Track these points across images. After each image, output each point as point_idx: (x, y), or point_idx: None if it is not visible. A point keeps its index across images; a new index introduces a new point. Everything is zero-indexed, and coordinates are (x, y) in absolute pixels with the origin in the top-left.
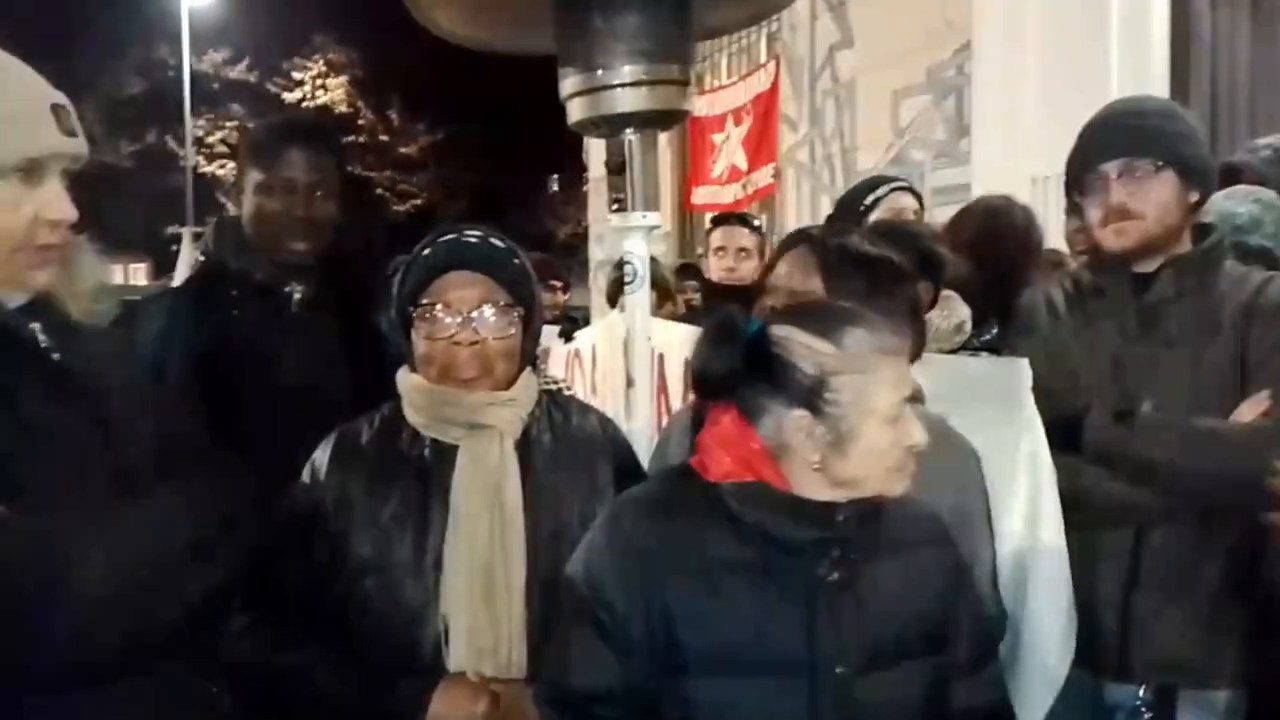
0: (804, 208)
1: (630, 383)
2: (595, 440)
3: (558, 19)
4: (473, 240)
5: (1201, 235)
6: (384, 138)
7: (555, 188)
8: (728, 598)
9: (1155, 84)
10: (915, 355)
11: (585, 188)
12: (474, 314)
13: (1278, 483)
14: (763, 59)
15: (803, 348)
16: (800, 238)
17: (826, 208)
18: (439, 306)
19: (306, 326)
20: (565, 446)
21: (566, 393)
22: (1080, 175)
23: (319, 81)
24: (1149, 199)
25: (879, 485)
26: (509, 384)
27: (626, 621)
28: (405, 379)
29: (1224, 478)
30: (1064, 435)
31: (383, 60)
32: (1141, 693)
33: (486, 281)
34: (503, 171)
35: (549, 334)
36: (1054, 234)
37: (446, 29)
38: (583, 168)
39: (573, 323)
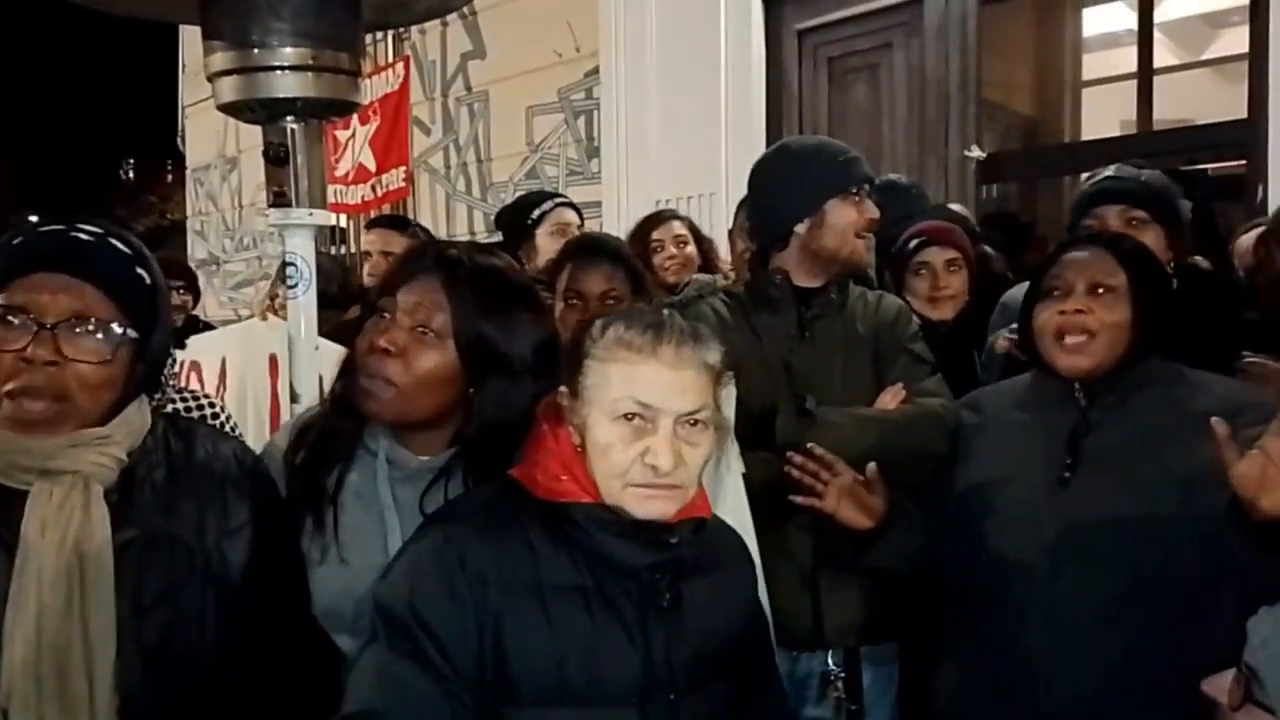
0: (439, 213)
1: (294, 398)
2: (228, 474)
3: None
4: (82, 237)
5: None
6: None
7: (130, 174)
8: (561, 623)
9: (755, 123)
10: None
11: (169, 176)
12: (59, 327)
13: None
14: (390, 59)
15: (588, 333)
16: (430, 262)
17: (461, 215)
18: (13, 311)
19: None
20: (186, 484)
21: (209, 413)
22: (852, 184)
23: None
24: None
25: (625, 500)
26: (101, 420)
27: (455, 652)
28: None
29: (891, 455)
30: (755, 433)
31: None
32: (830, 657)
33: (87, 290)
34: (61, 152)
35: None
36: None
37: None
38: (169, 153)
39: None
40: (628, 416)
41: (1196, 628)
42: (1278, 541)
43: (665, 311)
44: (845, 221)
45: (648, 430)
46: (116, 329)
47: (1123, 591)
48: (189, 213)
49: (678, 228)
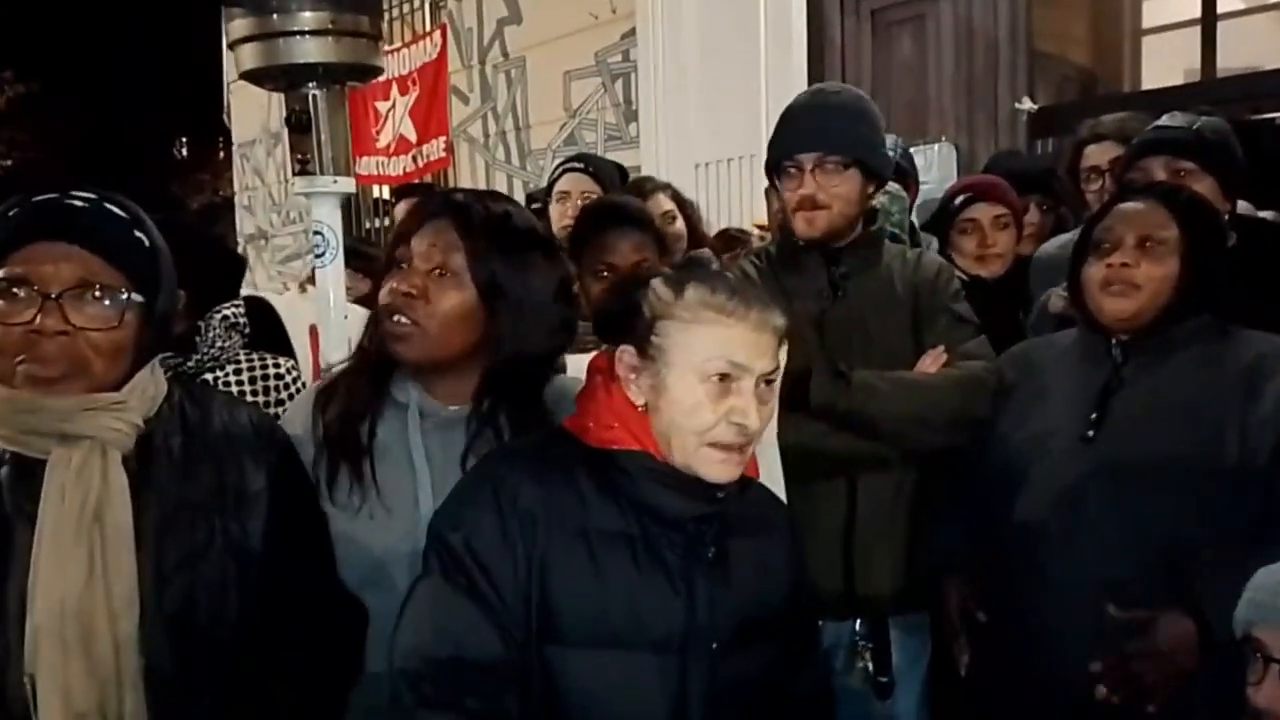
0: (479, 183)
1: (327, 367)
2: (245, 440)
3: None
4: (78, 204)
5: (871, 219)
6: None
7: (184, 152)
8: (606, 568)
9: (795, 80)
10: (572, 334)
11: (221, 153)
12: (65, 296)
13: None
14: (427, 27)
15: (653, 293)
16: (439, 207)
17: (502, 183)
18: (17, 283)
19: None
20: (202, 451)
21: (281, 369)
22: (779, 162)
23: None
24: (835, 192)
25: (697, 460)
26: (116, 385)
27: (505, 587)
28: None
29: (930, 419)
30: (789, 396)
31: None
32: (858, 626)
33: (89, 258)
34: (117, 131)
35: None
36: (721, 214)
37: None
38: (221, 130)
39: None
40: (720, 376)
41: (1211, 594)
42: None
43: (730, 273)
44: (784, 203)
45: (731, 390)
46: (122, 294)
47: (1133, 555)
48: (236, 188)
49: (664, 202)
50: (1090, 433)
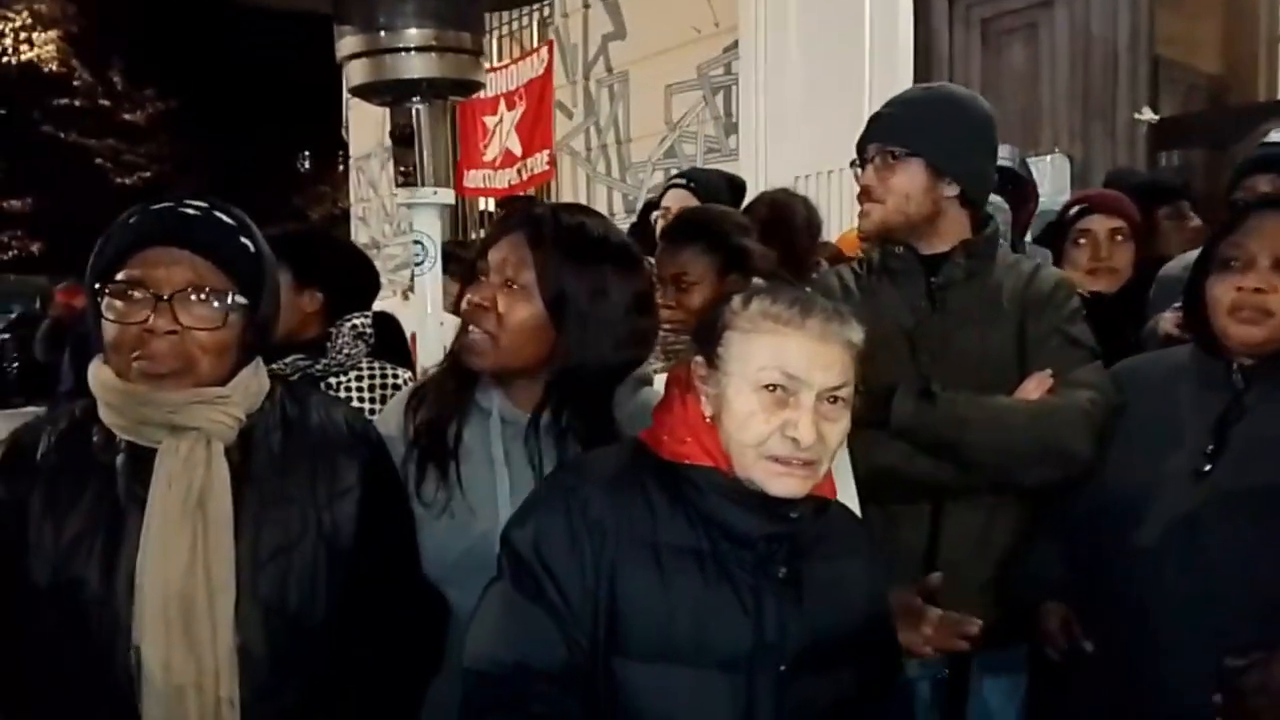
0: (580, 195)
1: (423, 372)
2: (339, 438)
3: None
4: (190, 212)
5: (983, 225)
6: (105, 102)
7: (307, 165)
8: (674, 582)
9: (901, 90)
10: (648, 345)
11: (341, 167)
12: (176, 298)
13: None
14: (535, 44)
15: (727, 305)
16: (517, 220)
17: (602, 196)
18: (134, 285)
19: None
20: (299, 446)
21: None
22: (858, 157)
23: (23, 34)
24: (891, 185)
25: (757, 473)
26: (221, 381)
27: (572, 592)
28: (97, 372)
29: (1019, 451)
30: (871, 413)
31: (103, 15)
32: (941, 662)
33: (198, 262)
34: (245, 146)
35: None
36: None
37: None
38: (340, 145)
39: None
40: (770, 387)
41: None
42: None
43: (806, 289)
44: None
45: (789, 403)
46: (228, 296)
47: (1245, 601)
48: (352, 200)
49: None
50: (1207, 467)
